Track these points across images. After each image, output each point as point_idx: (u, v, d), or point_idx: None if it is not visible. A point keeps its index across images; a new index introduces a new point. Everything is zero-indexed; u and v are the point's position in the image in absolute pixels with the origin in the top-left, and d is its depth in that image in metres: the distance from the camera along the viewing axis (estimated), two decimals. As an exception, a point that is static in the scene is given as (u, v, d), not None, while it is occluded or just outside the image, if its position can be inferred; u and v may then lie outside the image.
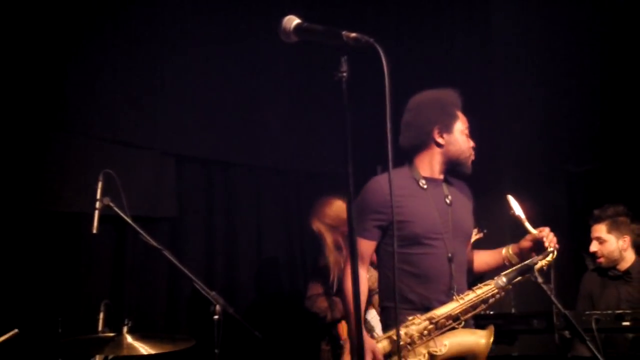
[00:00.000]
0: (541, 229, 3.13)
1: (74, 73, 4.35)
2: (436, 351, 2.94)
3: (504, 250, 3.25)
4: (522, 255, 3.19)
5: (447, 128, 3.16)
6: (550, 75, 5.71)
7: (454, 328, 2.99)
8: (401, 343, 2.92)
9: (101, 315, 3.55)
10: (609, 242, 4.40)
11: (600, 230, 4.43)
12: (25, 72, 4.12)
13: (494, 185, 4.98)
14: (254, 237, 5.31)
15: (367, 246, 3.10)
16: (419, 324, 2.96)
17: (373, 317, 4.10)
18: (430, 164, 3.18)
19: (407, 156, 3.22)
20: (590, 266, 4.63)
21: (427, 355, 2.95)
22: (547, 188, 5.58)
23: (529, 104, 5.69)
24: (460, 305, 2.99)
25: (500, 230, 3.64)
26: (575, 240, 5.17)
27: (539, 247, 3.12)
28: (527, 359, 3.95)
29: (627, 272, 4.39)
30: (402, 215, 3.04)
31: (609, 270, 4.45)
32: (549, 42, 5.71)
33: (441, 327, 2.97)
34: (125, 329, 3.26)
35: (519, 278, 3.08)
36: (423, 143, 3.18)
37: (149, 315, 4.57)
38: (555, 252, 3.09)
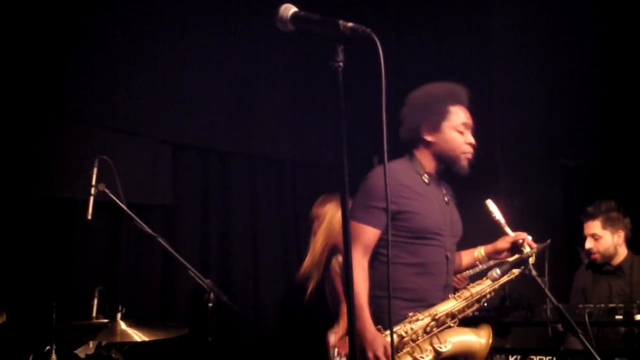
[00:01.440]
0: (518, 233, 3.19)
1: (71, 60, 4.34)
2: (441, 347, 2.94)
3: (475, 252, 3.32)
4: (496, 256, 3.25)
5: (434, 126, 3.11)
6: (548, 71, 5.71)
7: (449, 326, 3.01)
8: (406, 339, 2.92)
9: (95, 302, 3.55)
10: (604, 238, 4.41)
11: (594, 226, 4.44)
12: (22, 58, 4.11)
13: (490, 181, 4.98)
14: (249, 226, 5.30)
15: (372, 234, 3.00)
16: (422, 319, 2.96)
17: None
18: (428, 160, 3.16)
19: (406, 149, 3.21)
20: (585, 261, 4.65)
21: (432, 351, 2.95)
22: (542, 183, 5.58)
23: (526, 99, 5.68)
24: (459, 303, 3.02)
25: (493, 225, 3.65)
26: (570, 235, 5.19)
27: (515, 249, 3.19)
28: (520, 351, 3.95)
29: (619, 267, 4.42)
30: (410, 206, 3.02)
31: (602, 266, 4.47)
32: (549, 38, 5.69)
33: (441, 325, 2.99)
34: (119, 315, 3.26)
35: (513, 270, 3.12)
36: (415, 140, 3.16)
37: (142, 303, 4.57)
38: (534, 256, 3.13)
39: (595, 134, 5.71)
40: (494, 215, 3.20)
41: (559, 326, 3.54)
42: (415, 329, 2.93)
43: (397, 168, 3.08)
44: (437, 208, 3.11)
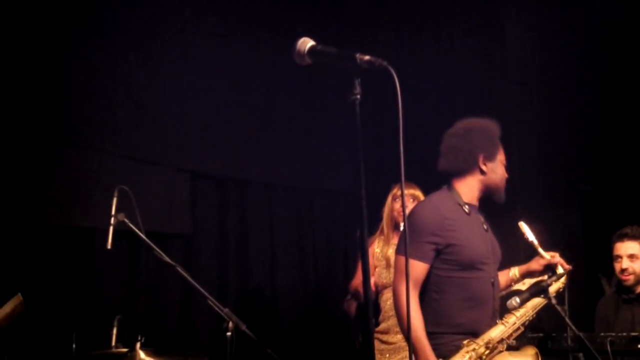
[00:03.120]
0: (552, 254, 3.19)
1: (90, 89, 4.39)
2: None
3: (510, 272, 3.31)
4: (530, 277, 3.25)
5: (492, 156, 3.19)
6: (565, 93, 5.70)
7: (500, 351, 3.02)
8: None
9: (114, 331, 3.55)
10: None
11: (633, 247, 4.36)
12: (39, 87, 4.16)
13: (508, 206, 4.95)
14: (268, 255, 5.31)
15: (420, 269, 3.02)
16: (478, 349, 2.96)
17: None
18: (470, 190, 3.19)
19: (444, 180, 3.23)
20: (607, 289, 4.58)
21: None
22: (561, 209, 5.55)
23: (544, 124, 5.67)
24: (508, 328, 3.03)
25: (514, 251, 3.65)
26: (589, 261, 5.14)
27: (549, 270, 3.20)
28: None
29: (642, 294, 4.35)
30: (456, 239, 3.04)
31: (624, 293, 4.40)
32: (564, 59, 5.70)
33: (493, 351, 2.99)
34: (138, 344, 3.27)
35: (532, 299, 3.11)
36: (468, 168, 3.18)
37: (161, 331, 4.58)
38: (566, 276, 3.15)
39: (614, 159, 5.68)
40: (527, 237, 3.22)
41: (581, 355, 3.51)
42: (475, 357, 2.94)
43: (439, 201, 3.14)
44: (480, 237, 3.14)
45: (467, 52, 5.74)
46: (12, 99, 4.04)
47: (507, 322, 3.04)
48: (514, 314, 3.07)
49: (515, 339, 3.12)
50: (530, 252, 3.35)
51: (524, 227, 3.24)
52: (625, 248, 4.38)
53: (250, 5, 5.28)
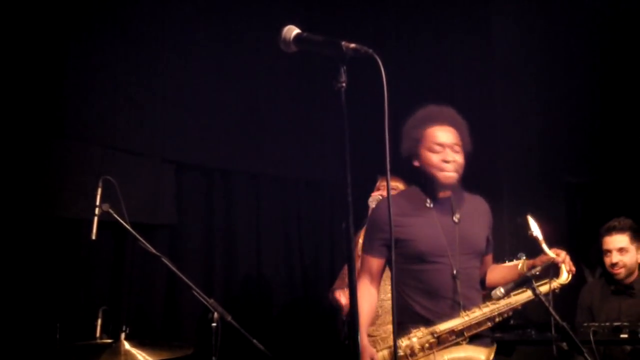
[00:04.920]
0: (558, 252, 3.17)
1: (73, 79, 4.36)
2: None
3: (519, 265, 3.29)
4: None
5: (415, 154, 3.23)
6: (550, 86, 5.72)
7: (457, 343, 3.03)
8: (401, 354, 2.99)
9: (99, 322, 3.54)
10: (630, 253, 4.32)
11: (622, 240, 4.34)
12: (24, 78, 4.12)
13: (493, 197, 4.97)
14: (253, 245, 5.31)
15: (375, 263, 3.20)
16: (421, 336, 3.01)
17: None
18: (429, 183, 3.24)
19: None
20: (589, 278, 4.60)
21: None
22: (546, 200, 5.57)
23: (528, 116, 5.69)
24: (465, 321, 3.03)
25: (499, 245, 3.64)
26: (573, 253, 5.15)
27: (552, 268, 3.17)
28: (525, 370, 3.95)
29: (631, 286, 4.33)
30: (405, 234, 3.12)
31: (613, 284, 4.39)
32: (549, 55, 5.72)
33: (444, 342, 3.02)
34: (123, 335, 3.26)
35: (517, 290, 3.11)
36: (412, 168, 3.27)
37: (147, 322, 4.57)
38: (571, 276, 3.15)
39: (598, 151, 5.71)
40: (532, 232, 3.19)
41: (564, 345, 3.52)
42: (412, 344, 2.99)
43: (397, 198, 3.25)
44: (440, 230, 3.15)
45: (454, 43, 5.75)
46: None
47: (468, 315, 3.05)
48: (480, 308, 3.08)
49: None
50: (515, 247, 3.35)
51: (530, 221, 3.21)
52: (614, 242, 4.35)
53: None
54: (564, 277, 3.16)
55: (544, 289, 3.14)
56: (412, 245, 3.12)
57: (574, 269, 3.19)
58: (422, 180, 3.23)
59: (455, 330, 3.03)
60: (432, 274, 3.12)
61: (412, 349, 2.99)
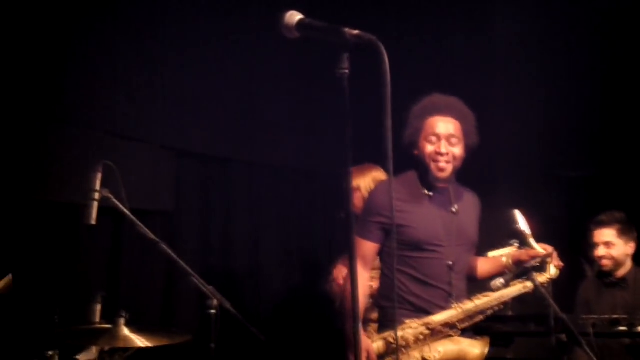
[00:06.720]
0: (546, 247, 3.16)
1: (72, 65, 4.33)
2: (430, 357, 2.98)
3: (504, 259, 3.29)
4: (521, 265, 3.23)
5: (415, 143, 3.24)
6: (548, 81, 5.72)
7: (450, 336, 3.03)
8: (394, 345, 2.96)
9: (98, 307, 3.54)
10: (617, 247, 4.37)
11: (609, 234, 4.39)
12: (23, 63, 4.09)
13: (492, 192, 4.97)
14: (251, 232, 5.31)
15: (369, 248, 3.16)
16: (416, 328, 3.01)
17: None
18: (426, 172, 3.24)
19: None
20: (589, 273, 4.62)
21: (420, 359, 2.98)
22: (544, 194, 5.57)
23: (526, 109, 5.69)
24: (458, 314, 3.04)
25: (488, 238, 3.64)
26: (572, 246, 5.16)
27: (539, 263, 3.18)
28: (523, 362, 3.96)
29: (624, 278, 4.38)
30: (403, 220, 3.11)
31: (605, 278, 4.44)
32: (549, 47, 5.71)
33: (437, 334, 3.03)
34: (122, 321, 3.25)
35: (516, 280, 3.12)
36: (412, 156, 3.27)
37: (145, 308, 4.57)
38: (558, 271, 3.15)
39: (597, 145, 5.71)
40: (519, 226, 3.18)
41: (563, 337, 3.53)
42: (406, 336, 2.99)
43: (397, 183, 3.21)
44: (438, 220, 3.15)
45: (453, 36, 5.74)
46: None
47: (461, 308, 3.05)
48: (473, 301, 3.09)
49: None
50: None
51: (517, 215, 3.20)
52: (601, 235, 4.41)
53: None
54: (552, 272, 3.17)
55: (541, 279, 3.15)
56: (409, 232, 3.11)
57: (561, 264, 3.19)
58: (420, 169, 3.23)
59: (450, 322, 3.04)
60: (428, 262, 3.12)
61: (406, 340, 3.00)
